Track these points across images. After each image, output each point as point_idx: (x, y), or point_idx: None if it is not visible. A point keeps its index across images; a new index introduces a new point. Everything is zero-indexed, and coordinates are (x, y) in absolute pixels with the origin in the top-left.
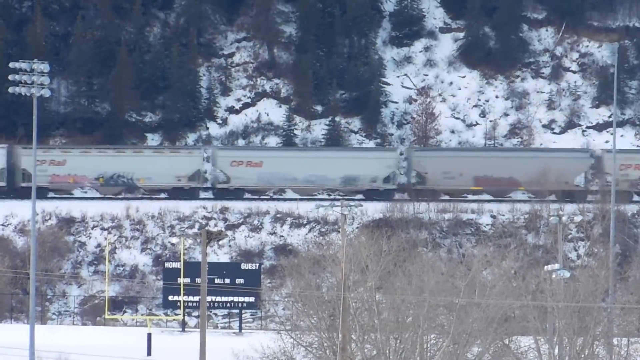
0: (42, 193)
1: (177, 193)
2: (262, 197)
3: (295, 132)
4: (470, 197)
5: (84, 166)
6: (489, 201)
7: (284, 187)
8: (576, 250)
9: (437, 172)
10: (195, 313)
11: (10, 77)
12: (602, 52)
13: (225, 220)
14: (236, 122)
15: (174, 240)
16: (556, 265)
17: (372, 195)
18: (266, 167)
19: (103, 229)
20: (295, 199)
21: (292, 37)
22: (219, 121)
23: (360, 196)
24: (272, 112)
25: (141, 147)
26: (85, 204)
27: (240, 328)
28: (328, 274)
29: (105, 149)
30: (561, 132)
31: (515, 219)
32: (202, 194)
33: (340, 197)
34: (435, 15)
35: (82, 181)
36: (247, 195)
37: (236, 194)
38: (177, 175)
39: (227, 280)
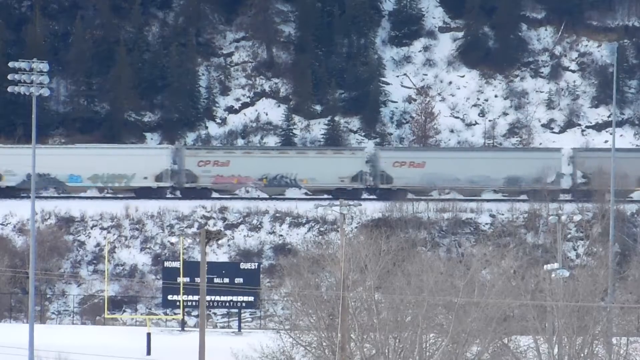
0: (206, 194)
1: (339, 194)
2: (423, 197)
3: (295, 131)
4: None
5: (248, 167)
6: (488, 200)
7: (447, 188)
8: (575, 250)
9: (602, 172)
10: (195, 312)
11: (9, 77)
12: (601, 51)
13: (224, 219)
14: (235, 121)
15: (173, 239)
16: (555, 265)
17: (536, 196)
18: (428, 167)
19: (102, 228)
20: (295, 199)
21: (291, 37)
22: (218, 121)
23: (524, 197)
24: (271, 111)
25: (304, 148)
26: (85, 204)
27: (240, 327)
28: (327, 274)
29: (269, 149)
30: (560, 132)
31: (515, 218)
32: (364, 195)
33: (506, 198)
34: (434, 15)
35: (246, 182)
36: (410, 196)
37: (399, 195)
38: (340, 176)
39: (227, 280)
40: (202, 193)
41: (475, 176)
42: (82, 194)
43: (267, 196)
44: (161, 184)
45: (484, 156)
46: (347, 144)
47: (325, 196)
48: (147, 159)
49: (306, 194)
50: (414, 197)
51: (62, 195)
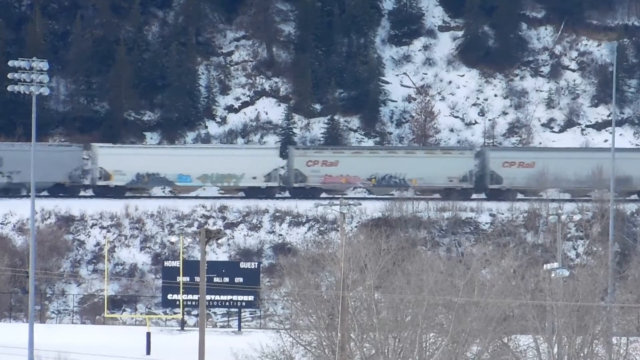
0: (315, 193)
1: (448, 194)
2: (532, 198)
3: (294, 130)
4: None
5: (357, 167)
6: (488, 200)
7: (556, 188)
8: (575, 249)
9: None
10: (195, 312)
11: (9, 76)
12: (601, 50)
13: (224, 219)
14: (235, 120)
15: (173, 238)
16: (555, 264)
17: None
18: (538, 167)
19: (102, 227)
20: (294, 198)
21: (291, 36)
22: (218, 120)
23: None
24: (271, 110)
25: (413, 148)
26: (84, 203)
27: (240, 327)
28: (327, 273)
29: (378, 149)
30: (560, 131)
31: (515, 217)
32: (473, 195)
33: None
34: (434, 14)
35: (354, 182)
36: (520, 196)
37: (509, 194)
38: (449, 176)
39: (226, 279)
40: (311, 193)
41: (585, 176)
42: (82, 194)
43: (376, 196)
44: (270, 184)
45: (599, 157)
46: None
47: (436, 196)
48: (256, 158)
49: (415, 194)
50: (524, 197)
51: (61, 195)
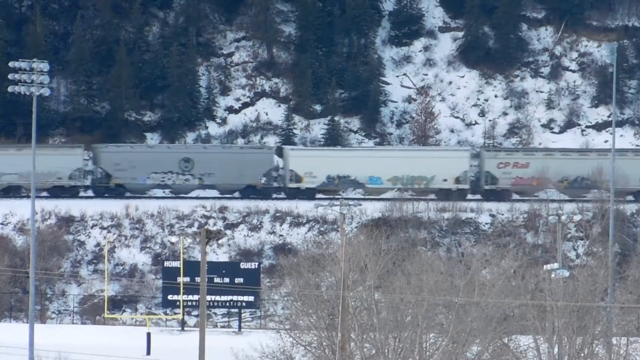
0: (506, 195)
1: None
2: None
3: (295, 131)
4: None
5: (547, 168)
6: (488, 200)
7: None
8: (575, 250)
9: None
10: (195, 312)
11: (9, 76)
12: (601, 51)
13: (224, 219)
14: (235, 121)
15: (174, 239)
16: (555, 265)
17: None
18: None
19: (102, 227)
20: (486, 200)
21: (291, 37)
22: (218, 121)
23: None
24: (271, 111)
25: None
26: (85, 203)
27: (240, 327)
28: (327, 273)
29: (570, 151)
30: (560, 132)
31: (515, 218)
32: None
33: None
34: (434, 15)
35: (545, 184)
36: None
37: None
38: None
39: (227, 280)
40: (502, 195)
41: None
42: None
43: (569, 198)
44: (460, 186)
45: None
46: (346, 143)
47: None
48: (447, 161)
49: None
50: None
51: (61, 195)
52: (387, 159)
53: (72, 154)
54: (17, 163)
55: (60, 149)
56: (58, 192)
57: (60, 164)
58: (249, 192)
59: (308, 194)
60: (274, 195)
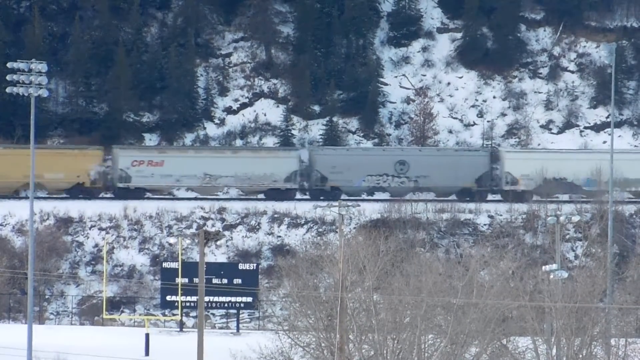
0: (526, 197)
1: None
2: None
3: (293, 132)
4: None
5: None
6: (487, 201)
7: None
8: (574, 251)
9: None
10: (193, 313)
11: (8, 77)
12: (599, 52)
13: (222, 220)
14: (234, 122)
15: (172, 240)
16: (554, 266)
17: None
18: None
19: (101, 229)
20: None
21: (289, 38)
22: (217, 121)
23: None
24: (270, 112)
25: None
26: (83, 204)
27: (238, 328)
28: (325, 275)
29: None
30: (559, 133)
31: (513, 219)
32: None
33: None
34: (432, 16)
35: None
36: None
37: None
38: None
39: (225, 281)
40: (526, 196)
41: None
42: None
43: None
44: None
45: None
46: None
47: None
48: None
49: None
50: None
51: (61, 196)
52: (606, 161)
53: (288, 157)
54: (233, 166)
55: (276, 152)
56: (274, 194)
57: (277, 167)
58: (464, 194)
59: (524, 197)
60: (489, 197)
